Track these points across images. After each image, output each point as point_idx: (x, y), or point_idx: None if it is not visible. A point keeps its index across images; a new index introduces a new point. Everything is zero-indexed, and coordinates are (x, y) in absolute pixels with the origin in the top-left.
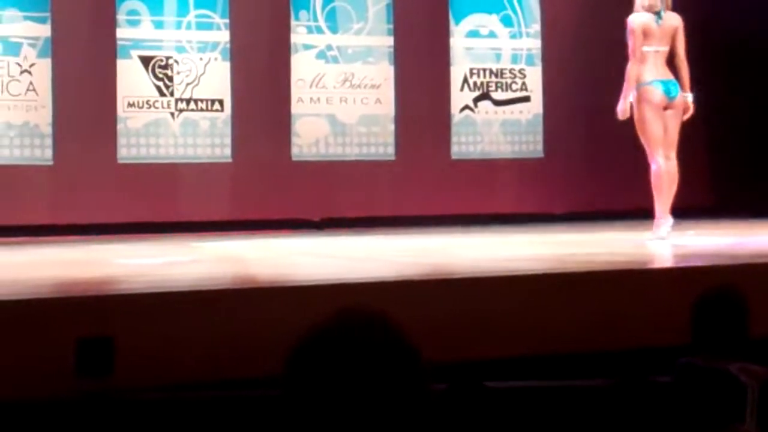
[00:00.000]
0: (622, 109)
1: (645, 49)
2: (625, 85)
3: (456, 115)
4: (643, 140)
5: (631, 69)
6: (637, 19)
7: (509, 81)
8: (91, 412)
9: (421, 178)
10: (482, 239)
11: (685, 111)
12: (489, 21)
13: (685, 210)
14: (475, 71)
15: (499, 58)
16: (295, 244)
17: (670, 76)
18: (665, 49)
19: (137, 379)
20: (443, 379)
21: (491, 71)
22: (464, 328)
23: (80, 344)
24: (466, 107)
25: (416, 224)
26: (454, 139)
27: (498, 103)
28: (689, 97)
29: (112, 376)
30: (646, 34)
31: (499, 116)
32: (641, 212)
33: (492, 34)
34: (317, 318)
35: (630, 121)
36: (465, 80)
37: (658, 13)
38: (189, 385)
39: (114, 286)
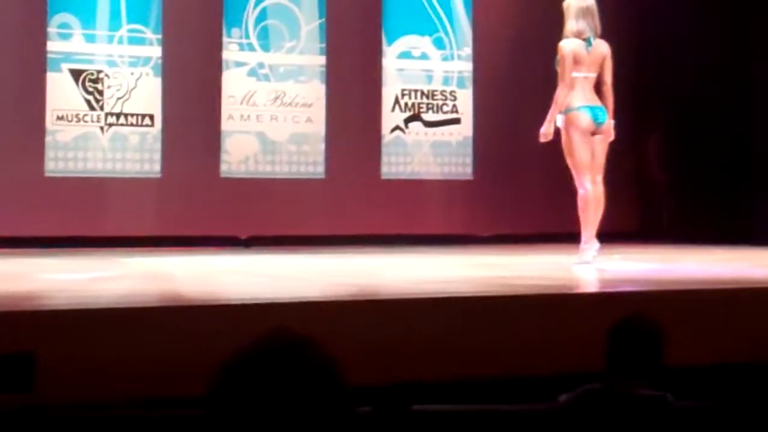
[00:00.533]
0: (544, 132)
1: (574, 74)
2: (552, 108)
3: (386, 135)
4: (570, 165)
5: (560, 94)
6: (568, 45)
7: (440, 103)
8: (9, 429)
9: (350, 198)
10: (410, 260)
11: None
12: (421, 42)
13: (612, 234)
14: (406, 92)
15: (431, 80)
16: (222, 261)
17: (598, 102)
18: (594, 75)
19: (58, 396)
20: (369, 401)
21: (422, 92)
22: (391, 350)
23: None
24: (397, 128)
25: (345, 243)
26: (384, 159)
27: (429, 124)
28: (612, 124)
29: (31, 392)
30: (576, 60)
31: (430, 137)
32: (569, 236)
33: (424, 56)
34: (243, 338)
35: (558, 145)
36: (396, 101)
37: (587, 40)
38: (112, 403)
39: (36, 302)
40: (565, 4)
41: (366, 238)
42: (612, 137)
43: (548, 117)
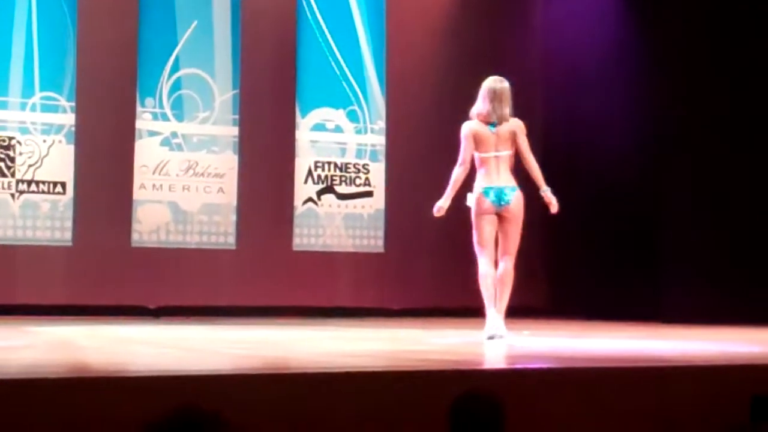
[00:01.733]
0: (438, 207)
1: (481, 155)
2: (449, 186)
3: (299, 207)
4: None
5: (455, 172)
6: (467, 126)
7: (353, 175)
8: None
9: (262, 269)
10: (321, 333)
11: (549, 206)
12: (335, 115)
13: (524, 309)
14: (319, 164)
15: (344, 153)
16: (131, 332)
17: (509, 182)
18: (507, 153)
19: None
20: None
21: (336, 165)
22: (299, 424)
23: None
24: (310, 200)
25: (256, 315)
26: (296, 230)
27: (341, 196)
28: (548, 191)
29: None
30: (479, 140)
31: (342, 210)
32: (478, 310)
33: (338, 129)
34: (152, 412)
35: (467, 221)
36: (309, 173)
37: (491, 124)
38: None
39: None
40: (483, 85)
41: (277, 309)
42: (555, 204)
43: (446, 193)
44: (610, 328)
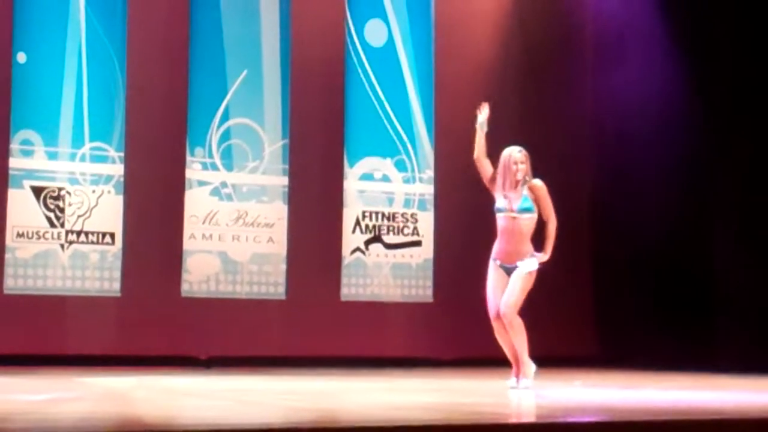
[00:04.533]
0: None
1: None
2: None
3: (347, 256)
4: (520, 301)
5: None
6: None
7: (401, 225)
8: None
9: (310, 319)
10: (371, 384)
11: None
12: (383, 165)
13: (574, 359)
14: (367, 214)
15: (392, 202)
16: (181, 383)
17: None
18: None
19: None
20: None
21: (383, 215)
22: None
23: None
24: (358, 249)
25: (305, 365)
26: (344, 280)
27: (389, 246)
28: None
29: None
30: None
31: (390, 259)
32: (533, 359)
33: (386, 178)
34: None
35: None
36: (357, 222)
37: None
38: None
39: None
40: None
41: (326, 359)
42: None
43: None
44: (663, 378)
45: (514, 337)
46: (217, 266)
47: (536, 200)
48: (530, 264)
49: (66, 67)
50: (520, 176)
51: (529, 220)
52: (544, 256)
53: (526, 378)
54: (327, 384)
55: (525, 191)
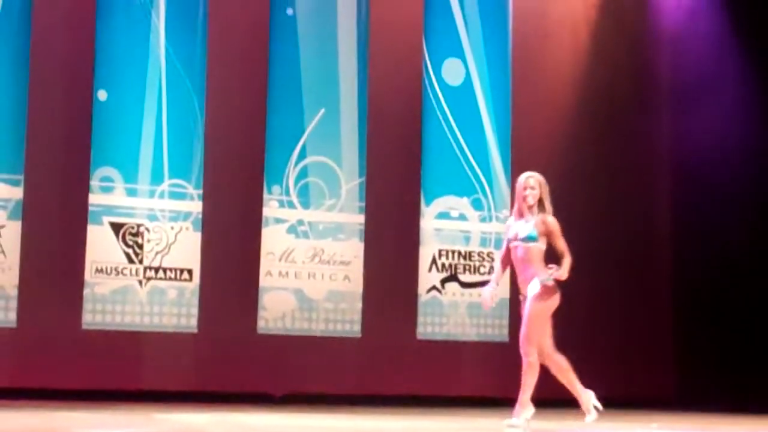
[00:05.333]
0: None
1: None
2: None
3: (423, 295)
4: (534, 331)
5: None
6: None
7: (477, 264)
8: None
9: (386, 357)
10: (444, 424)
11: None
12: (459, 204)
13: (649, 401)
14: (443, 252)
15: (468, 241)
16: (256, 420)
17: None
18: None
19: None
20: None
21: (460, 253)
22: None
23: None
24: (434, 288)
25: (380, 404)
26: (420, 319)
27: (465, 285)
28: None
29: None
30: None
31: (466, 298)
32: (608, 401)
33: (462, 217)
34: None
35: (600, 315)
36: (433, 261)
37: None
38: None
39: None
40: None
41: (401, 398)
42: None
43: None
44: (739, 422)
45: (524, 373)
46: (293, 303)
47: (546, 235)
48: (533, 287)
49: (146, 104)
50: (531, 201)
51: (533, 249)
52: (560, 272)
53: (516, 417)
54: (401, 423)
55: (534, 221)
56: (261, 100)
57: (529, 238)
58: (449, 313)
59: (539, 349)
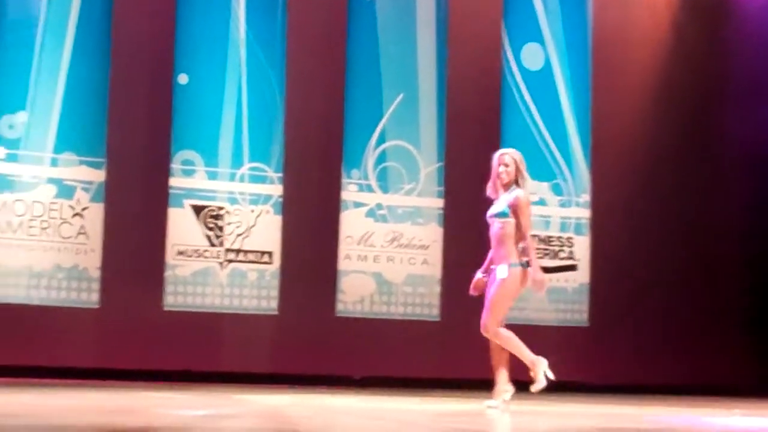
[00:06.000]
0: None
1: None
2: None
3: None
4: (498, 309)
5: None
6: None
7: (557, 249)
8: None
9: (465, 341)
10: (528, 407)
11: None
12: (539, 188)
13: (730, 388)
14: None
15: (548, 226)
16: (336, 402)
17: None
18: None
19: None
20: None
21: (540, 238)
22: None
23: None
24: None
25: (459, 387)
26: None
27: (545, 270)
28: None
29: None
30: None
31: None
32: (689, 388)
33: (542, 202)
34: None
35: (680, 295)
36: None
37: None
38: None
39: None
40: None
41: (480, 382)
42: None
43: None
44: None
45: (508, 348)
46: (371, 287)
47: (514, 210)
48: (501, 271)
49: (226, 88)
50: (505, 178)
51: (503, 225)
52: (533, 271)
53: (494, 399)
54: (480, 406)
55: (507, 197)
56: (340, 84)
57: (501, 215)
58: (529, 297)
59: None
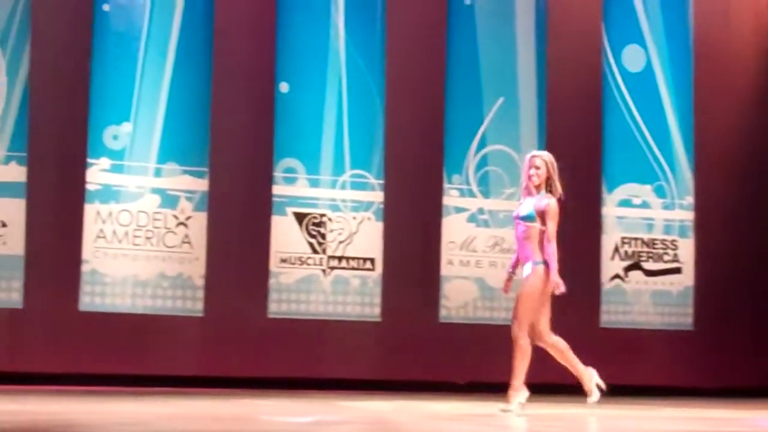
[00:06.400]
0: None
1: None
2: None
3: (606, 283)
4: (524, 312)
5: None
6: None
7: (661, 252)
8: None
9: (570, 345)
10: (626, 411)
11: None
12: (642, 191)
13: None
14: (626, 240)
15: (652, 229)
16: (442, 408)
17: None
18: None
19: None
20: None
21: (643, 241)
22: None
23: None
24: (617, 276)
25: (561, 393)
26: (603, 307)
27: (649, 273)
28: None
29: None
30: None
31: (650, 286)
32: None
33: (645, 204)
34: None
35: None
36: (616, 249)
37: None
38: None
39: None
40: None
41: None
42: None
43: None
44: None
45: (515, 357)
46: (474, 292)
47: (542, 215)
48: (526, 269)
49: (326, 95)
50: (536, 181)
51: (527, 228)
52: (551, 273)
53: (508, 403)
54: (584, 411)
55: (535, 200)
56: (439, 89)
57: (527, 218)
58: (633, 301)
59: (537, 333)
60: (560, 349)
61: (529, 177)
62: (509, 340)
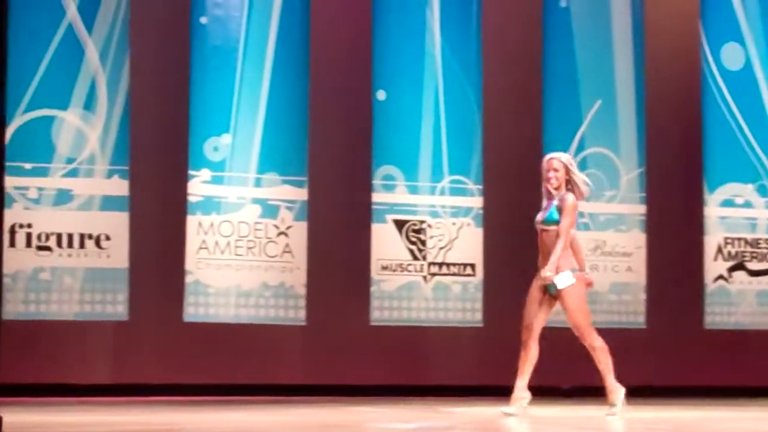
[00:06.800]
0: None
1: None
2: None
3: (709, 284)
4: (583, 319)
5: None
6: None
7: (765, 251)
8: None
9: (671, 348)
10: (732, 413)
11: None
12: (744, 190)
13: None
14: (729, 241)
15: (755, 228)
16: (546, 412)
17: None
18: None
19: None
20: None
21: (746, 241)
22: None
23: None
24: (720, 277)
25: (666, 395)
26: (707, 309)
27: (753, 273)
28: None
29: None
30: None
31: (754, 286)
32: None
33: (747, 204)
34: None
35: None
36: (719, 249)
37: None
38: None
39: None
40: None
41: (688, 389)
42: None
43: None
44: None
45: (597, 361)
46: None
47: (561, 211)
48: (566, 279)
49: (423, 102)
50: (555, 183)
51: (552, 232)
52: (547, 267)
53: (613, 406)
54: (688, 413)
55: (556, 202)
56: (537, 93)
57: (550, 221)
58: (737, 302)
59: (529, 330)
60: (531, 356)
61: (548, 180)
62: (612, 343)
